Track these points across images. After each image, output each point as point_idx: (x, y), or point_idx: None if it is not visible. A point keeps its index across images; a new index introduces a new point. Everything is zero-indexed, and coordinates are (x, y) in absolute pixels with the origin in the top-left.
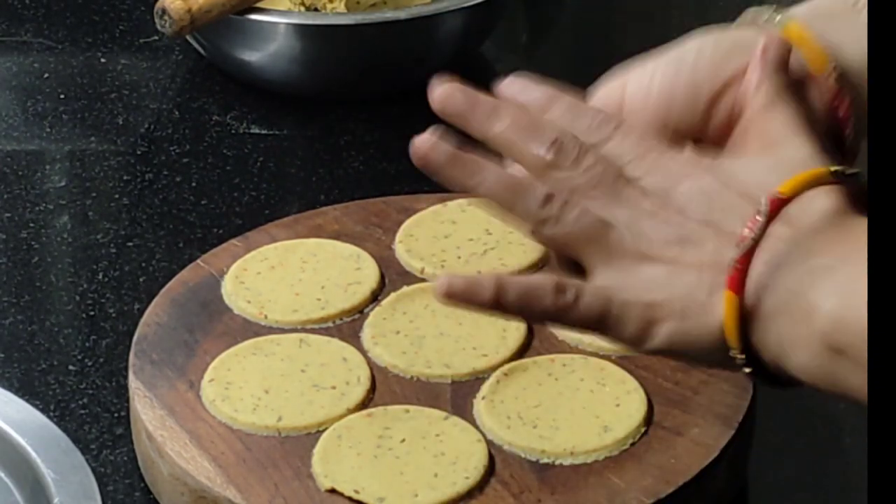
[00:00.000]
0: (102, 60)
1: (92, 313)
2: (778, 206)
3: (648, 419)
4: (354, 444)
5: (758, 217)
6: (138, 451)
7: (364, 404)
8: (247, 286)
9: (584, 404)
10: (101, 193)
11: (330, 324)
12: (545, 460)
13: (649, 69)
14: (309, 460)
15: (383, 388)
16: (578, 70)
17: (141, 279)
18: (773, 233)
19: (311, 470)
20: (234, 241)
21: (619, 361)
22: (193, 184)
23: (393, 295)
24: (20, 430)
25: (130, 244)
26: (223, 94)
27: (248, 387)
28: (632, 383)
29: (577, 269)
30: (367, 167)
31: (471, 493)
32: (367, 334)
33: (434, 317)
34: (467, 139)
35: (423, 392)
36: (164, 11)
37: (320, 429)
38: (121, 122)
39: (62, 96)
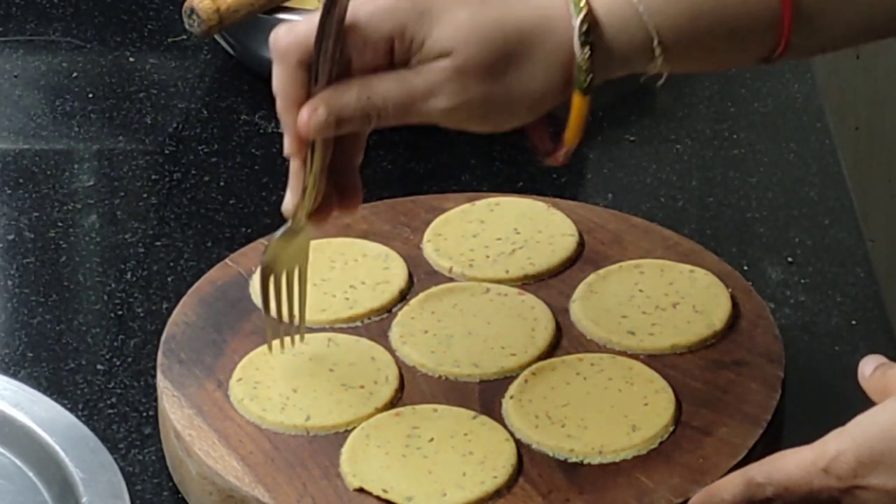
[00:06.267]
0: (131, 60)
1: (120, 313)
2: None
3: (677, 418)
4: (383, 444)
5: None
6: (166, 451)
7: (392, 403)
8: None
9: (612, 403)
10: (130, 193)
11: (358, 323)
12: (573, 459)
13: None
14: (337, 459)
15: (411, 388)
16: None
17: (169, 278)
18: None
19: (340, 469)
20: (262, 240)
21: (648, 361)
22: (222, 183)
23: (421, 294)
24: (48, 429)
25: (158, 244)
26: (252, 94)
27: (276, 386)
28: (660, 382)
29: None
30: (395, 166)
31: (499, 492)
32: (395, 333)
33: (462, 316)
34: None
35: (451, 391)
36: (192, 11)
37: (348, 428)
38: (149, 122)
39: (90, 95)
